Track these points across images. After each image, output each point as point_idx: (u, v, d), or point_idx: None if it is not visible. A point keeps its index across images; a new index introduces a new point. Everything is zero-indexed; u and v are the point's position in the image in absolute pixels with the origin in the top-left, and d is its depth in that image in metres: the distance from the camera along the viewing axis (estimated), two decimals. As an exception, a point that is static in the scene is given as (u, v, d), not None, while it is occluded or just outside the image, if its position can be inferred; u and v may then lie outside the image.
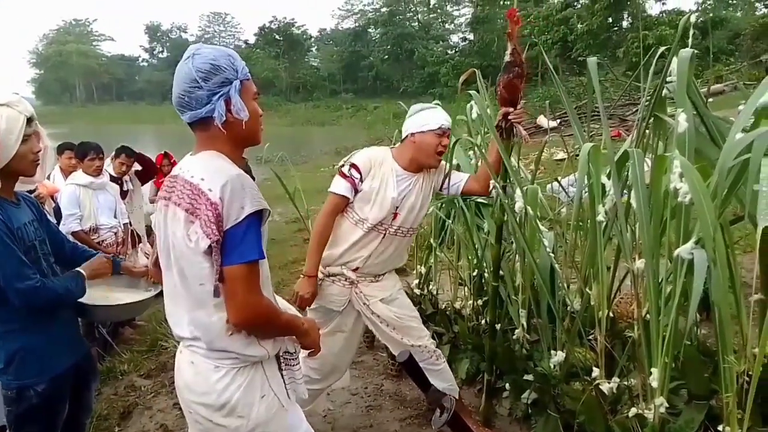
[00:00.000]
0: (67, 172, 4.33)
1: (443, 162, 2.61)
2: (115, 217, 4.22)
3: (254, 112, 1.53)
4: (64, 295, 1.95)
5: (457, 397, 2.71)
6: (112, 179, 4.42)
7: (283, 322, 1.58)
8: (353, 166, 2.50)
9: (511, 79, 2.31)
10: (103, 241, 4.08)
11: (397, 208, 2.51)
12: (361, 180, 2.49)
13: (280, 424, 1.58)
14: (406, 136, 2.55)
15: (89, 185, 4.03)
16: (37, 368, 1.93)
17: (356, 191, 2.50)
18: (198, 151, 1.52)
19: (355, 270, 2.56)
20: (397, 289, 2.72)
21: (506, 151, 2.42)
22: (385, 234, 2.53)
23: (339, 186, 2.50)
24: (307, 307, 2.57)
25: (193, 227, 1.40)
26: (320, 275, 2.55)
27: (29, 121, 1.88)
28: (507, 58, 2.29)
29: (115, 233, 4.19)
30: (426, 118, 2.49)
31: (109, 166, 4.53)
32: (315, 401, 2.72)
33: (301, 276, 2.53)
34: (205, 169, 1.44)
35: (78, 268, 2.08)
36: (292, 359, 1.68)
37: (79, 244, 2.54)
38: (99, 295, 2.22)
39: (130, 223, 4.51)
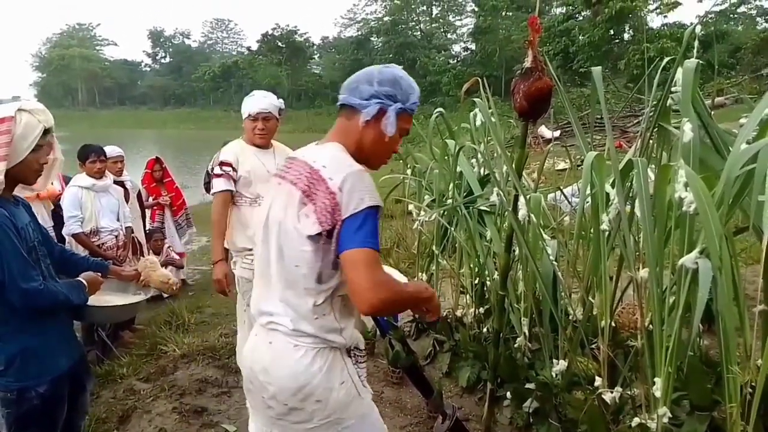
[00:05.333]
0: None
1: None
2: (118, 219, 4.22)
3: (394, 142, 1.57)
4: (63, 301, 1.94)
5: None
6: (115, 183, 4.42)
7: (410, 293, 1.56)
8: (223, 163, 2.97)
9: (534, 84, 2.12)
10: (103, 243, 4.07)
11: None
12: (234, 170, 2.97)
13: (355, 412, 1.56)
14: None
15: (91, 187, 4.04)
16: (37, 369, 1.92)
17: (235, 181, 2.96)
18: (326, 141, 1.58)
19: None
20: None
21: (521, 160, 2.37)
22: None
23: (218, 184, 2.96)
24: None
25: (305, 209, 1.43)
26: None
27: (46, 131, 1.90)
28: (527, 64, 2.16)
29: (116, 236, 4.18)
30: (245, 105, 3.06)
31: None
32: None
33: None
34: (328, 159, 1.49)
35: (80, 278, 2.08)
36: (361, 357, 1.65)
37: (67, 247, 2.54)
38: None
39: (132, 230, 4.49)
